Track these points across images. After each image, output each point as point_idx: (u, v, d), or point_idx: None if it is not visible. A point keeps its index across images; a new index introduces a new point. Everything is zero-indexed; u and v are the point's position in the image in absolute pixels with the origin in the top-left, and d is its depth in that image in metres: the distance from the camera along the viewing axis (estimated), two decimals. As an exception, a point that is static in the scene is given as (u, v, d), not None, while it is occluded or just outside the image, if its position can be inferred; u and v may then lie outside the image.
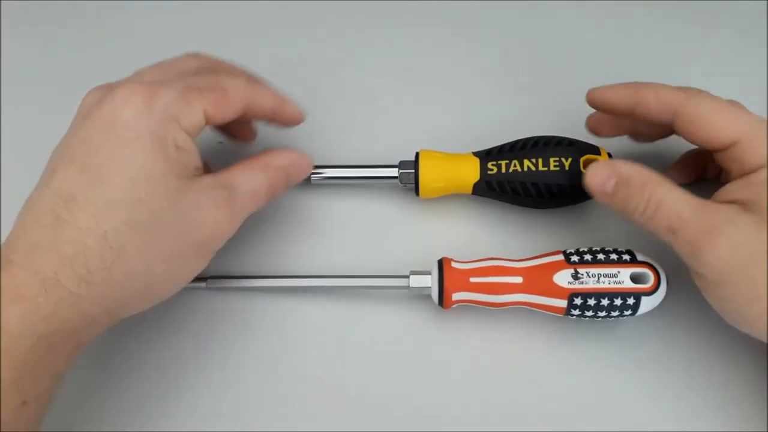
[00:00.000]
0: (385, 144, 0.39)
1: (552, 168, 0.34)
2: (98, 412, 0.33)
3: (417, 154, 0.36)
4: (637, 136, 0.36)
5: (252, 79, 0.33)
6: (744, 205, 0.28)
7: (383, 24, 0.44)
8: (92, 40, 0.45)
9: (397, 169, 0.36)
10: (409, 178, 0.36)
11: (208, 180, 0.29)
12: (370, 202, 0.39)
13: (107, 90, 0.29)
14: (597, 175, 0.30)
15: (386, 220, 0.38)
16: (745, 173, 0.29)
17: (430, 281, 0.33)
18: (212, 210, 0.29)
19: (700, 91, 0.30)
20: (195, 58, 0.33)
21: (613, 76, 0.41)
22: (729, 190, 0.29)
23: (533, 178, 0.34)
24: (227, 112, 0.30)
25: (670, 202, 0.29)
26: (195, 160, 0.29)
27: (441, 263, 0.33)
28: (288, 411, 0.33)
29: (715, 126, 0.29)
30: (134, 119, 0.27)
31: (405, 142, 0.38)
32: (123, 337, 0.35)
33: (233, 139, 0.38)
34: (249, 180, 0.31)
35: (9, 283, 0.25)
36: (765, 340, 0.29)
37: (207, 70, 0.32)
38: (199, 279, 0.35)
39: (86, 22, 0.46)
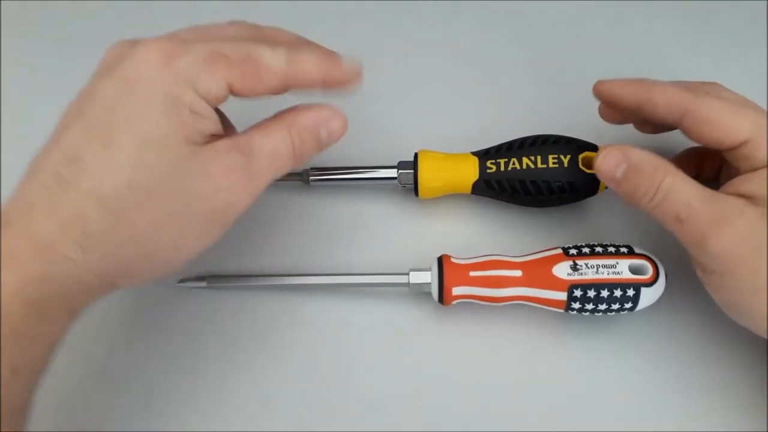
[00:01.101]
0: (384, 144, 0.39)
1: (551, 165, 0.34)
2: (97, 412, 0.33)
3: (416, 155, 0.36)
4: (642, 126, 0.36)
5: (297, 48, 0.29)
6: (749, 198, 0.28)
7: (382, 24, 0.44)
8: (92, 40, 0.45)
9: (396, 170, 0.36)
10: (408, 179, 0.36)
11: (222, 144, 0.27)
12: (370, 203, 0.39)
13: (131, 45, 0.27)
14: (607, 160, 0.30)
15: (385, 222, 0.38)
16: (755, 170, 0.29)
17: (429, 277, 0.33)
18: (224, 177, 0.27)
19: (707, 92, 0.30)
20: (236, 25, 0.30)
21: (612, 76, 0.41)
22: (735, 184, 0.29)
23: (532, 176, 0.34)
24: (257, 88, 0.27)
25: (679, 190, 0.29)
26: (211, 127, 0.27)
27: (440, 260, 0.33)
28: (287, 408, 0.33)
29: (724, 127, 0.29)
30: (150, 77, 0.25)
31: (403, 143, 0.38)
32: (122, 335, 0.35)
33: None
34: (269, 142, 0.28)
35: (4, 246, 0.24)
36: (764, 335, 0.29)
37: (246, 39, 0.29)
38: (199, 279, 0.36)
39: (86, 22, 0.46)
